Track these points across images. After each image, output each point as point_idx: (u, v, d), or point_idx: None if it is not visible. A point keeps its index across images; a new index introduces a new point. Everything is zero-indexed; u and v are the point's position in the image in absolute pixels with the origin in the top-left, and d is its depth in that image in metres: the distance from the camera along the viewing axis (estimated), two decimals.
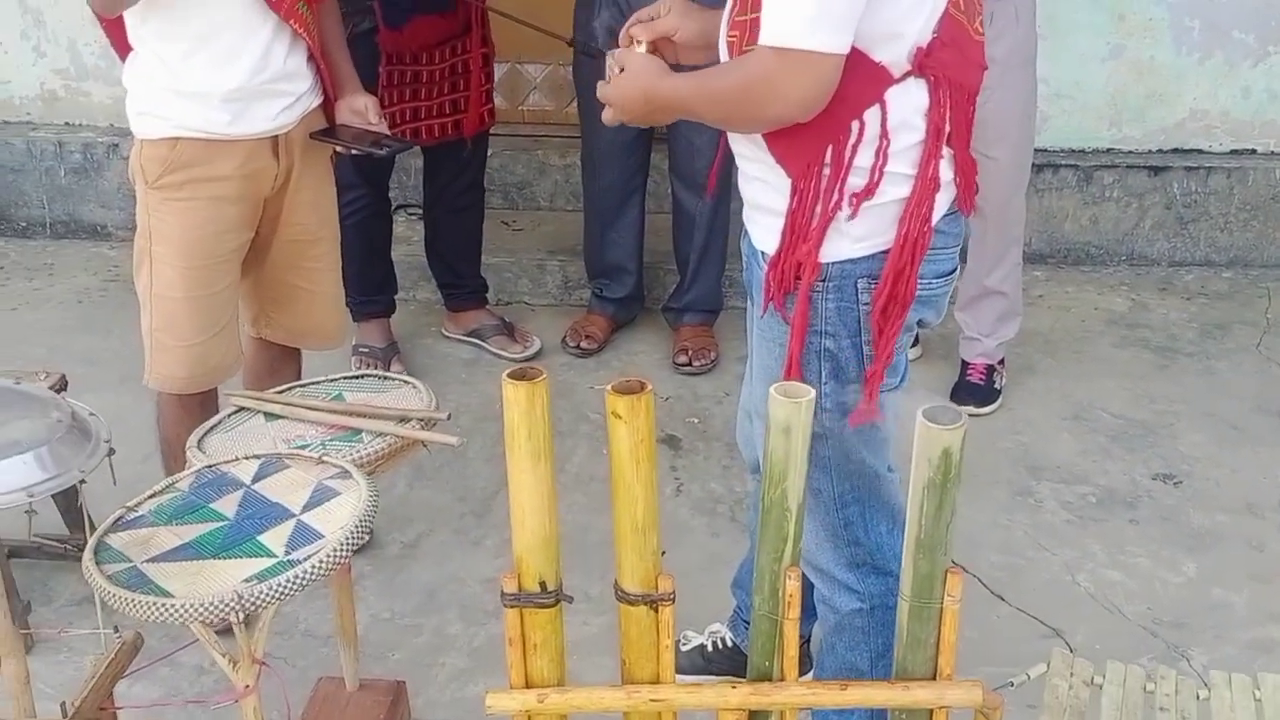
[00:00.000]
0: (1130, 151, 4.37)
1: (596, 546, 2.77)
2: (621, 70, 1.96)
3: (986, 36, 3.35)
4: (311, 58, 2.61)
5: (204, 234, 2.54)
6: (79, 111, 4.56)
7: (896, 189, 1.83)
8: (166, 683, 2.53)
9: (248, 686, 1.80)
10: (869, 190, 1.81)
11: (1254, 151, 4.37)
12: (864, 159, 1.80)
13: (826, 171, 1.81)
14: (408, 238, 4.10)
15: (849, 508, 2.05)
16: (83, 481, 1.70)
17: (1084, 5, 4.16)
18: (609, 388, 1.65)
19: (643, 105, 1.94)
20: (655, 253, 3.93)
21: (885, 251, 1.86)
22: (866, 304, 1.89)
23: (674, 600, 1.74)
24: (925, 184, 1.83)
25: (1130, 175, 4.34)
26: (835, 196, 1.82)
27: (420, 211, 4.20)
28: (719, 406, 3.56)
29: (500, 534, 3.00)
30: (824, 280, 1.87)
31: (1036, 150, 3.88)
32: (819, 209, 1.83)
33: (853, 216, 1.83)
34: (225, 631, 1.76)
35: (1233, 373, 3.77)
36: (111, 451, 1.74)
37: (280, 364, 2.83)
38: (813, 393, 1.67)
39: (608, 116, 1.99)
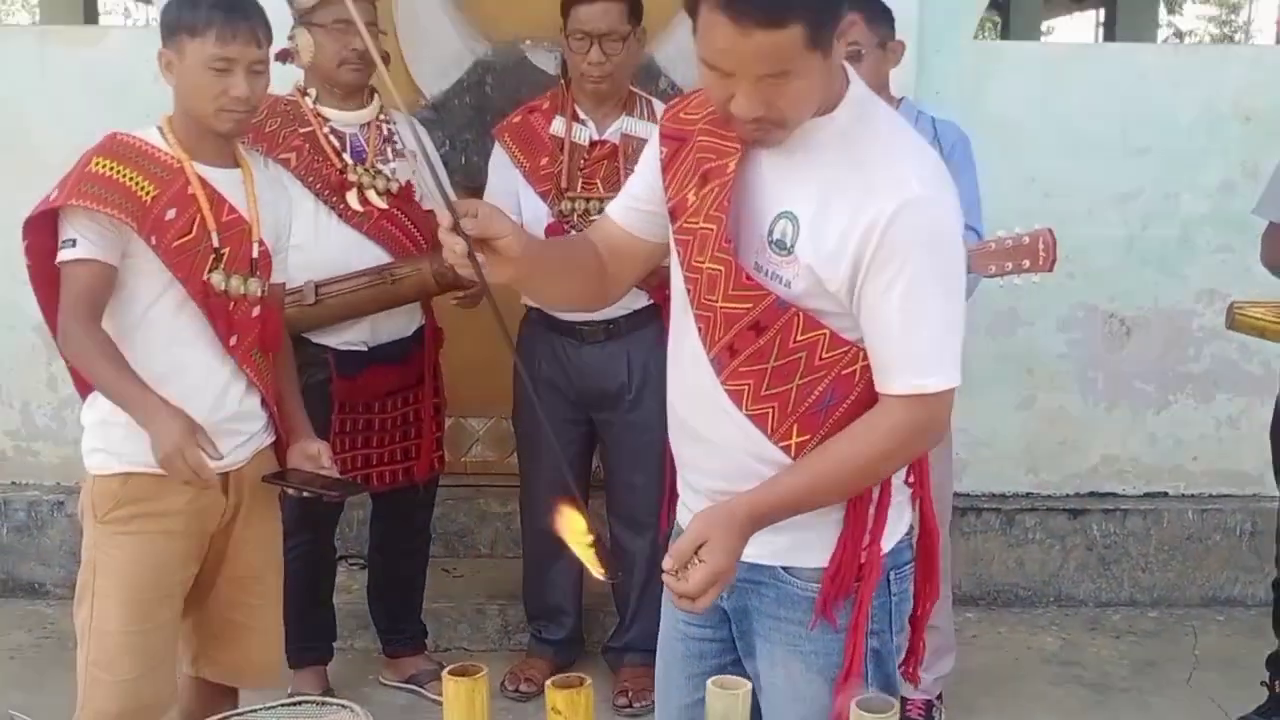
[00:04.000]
0: (1049, 495, 4.55)
1: None
2: (698, 551, 1.83)
3: None
4: (265, 400, 2.74)
5: (148, 567, 2.59)
6: (26, 470, 4.62)
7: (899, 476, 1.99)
8: None
9: None
10: (908, 473, 1.97)
11: (1166, 494, 4.56)
12: None
13: None
14: (348, 587, 4.12)
15: None
16: None
17: (993, 358, 4.43)
18: (549, 683, 1.69)
19: (740, 548, 1.86)
20: (594, 595, 3.97)
21: (900, 542, 1.98)
22: (896, 595, 1.98)
23: None
24: (922, 462, 2.01)
25: (1050, 518, 4.50)
26: (879, 488, 1.95)
27: (360, 561, 4.25)
28: None
29: None
30: None
31: (959, 494, 4.05)
32: (873, 508, 1.94)
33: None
34: None
35: (1167, 707, 3.81)
36: None
37: (217, 706, 2.79)
38: (748, 685, 1.73)
39: (705, 603, 1.84)
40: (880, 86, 3.13)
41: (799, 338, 1.87)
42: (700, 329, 1.95)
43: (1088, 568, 4.51)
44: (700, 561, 1.83)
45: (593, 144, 3.52)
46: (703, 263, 1.93)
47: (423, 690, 3.79)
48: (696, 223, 1.95)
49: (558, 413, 3.67)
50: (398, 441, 3.64)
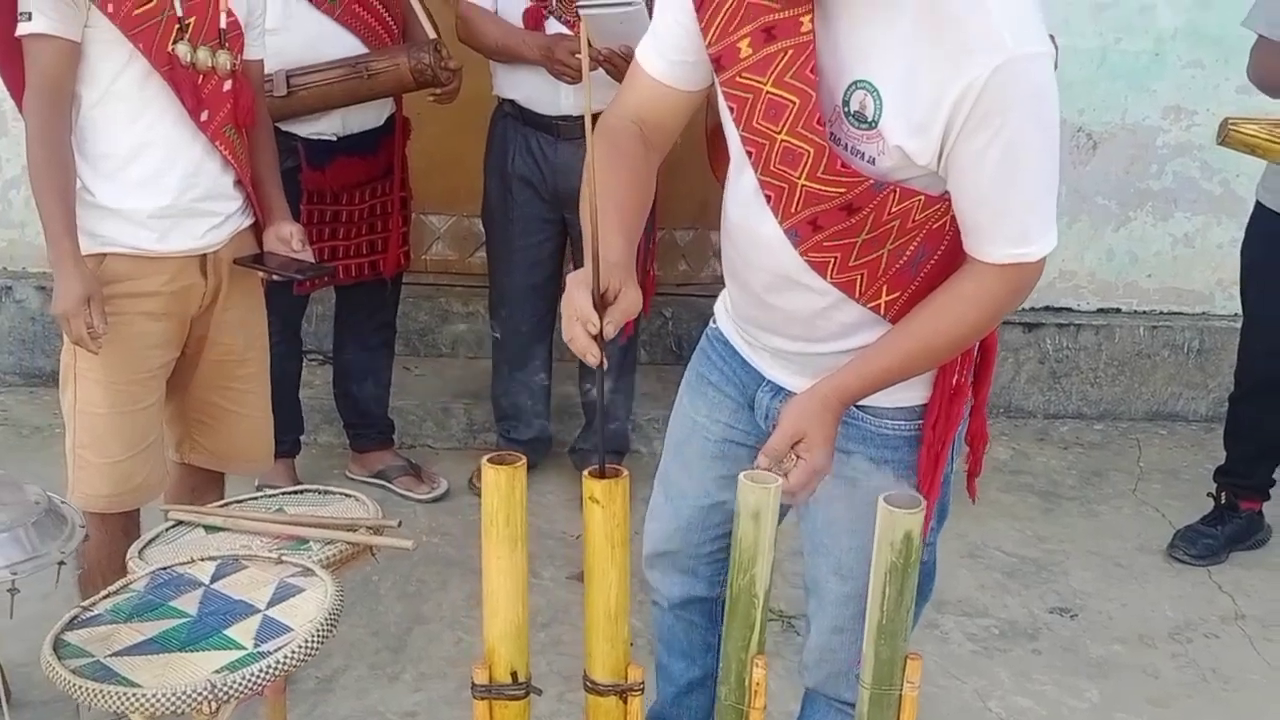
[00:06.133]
0: None
1: None
2: (794, 445, 1.81)
3: None
4: (241, 180, 2.66)
5: (130, 349, 2.54)
6: None
7: None
8: None
9: None
10: None
11: (1119, 310, 4.65)
12: None
13: None
14: (310, 382, 4.09)
15: None
16: (62, 563, 1.68)
17: None
18: (585, 473, 1.70)
19: (835, 434, 1.85)
20: (562, 396, 3.99)
21: None
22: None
23: (643, 690, 1.76)
24: None
25: (1006, 331, 4.56)
26: None
27: (321, 357, 4.22)
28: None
29: (417, 668, 2.97)
30: None
31: None
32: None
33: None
34: None
35: (1113, 515, 3.95)
36: (86, 537, 1.72)
37: (203, 490, 2.80)
38: (780, 480, 1.75)
39: (804, 498, 1.85)
40: None
41: (893, 209, 1.73)
42: (769, 197, 1.79)
43: (1039, 380, 4.60)
44: (799, 460, 1.80)
45: None
46: (775, 132, 1.74)
47: (391, 485, 3.81)
48: (759, 83, 1.74)
49: (530, 211, 3.61)
50: (364, 235, 3.58)
